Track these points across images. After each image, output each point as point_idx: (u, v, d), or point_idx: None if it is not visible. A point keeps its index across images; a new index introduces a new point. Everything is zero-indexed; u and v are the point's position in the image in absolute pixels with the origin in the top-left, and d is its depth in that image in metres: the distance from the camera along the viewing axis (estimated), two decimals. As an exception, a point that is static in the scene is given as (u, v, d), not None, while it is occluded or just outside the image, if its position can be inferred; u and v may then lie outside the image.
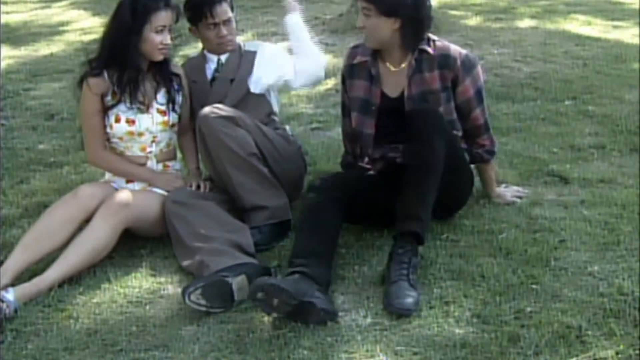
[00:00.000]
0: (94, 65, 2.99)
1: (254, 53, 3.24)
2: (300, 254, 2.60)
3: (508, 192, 3.25)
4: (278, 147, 3.10)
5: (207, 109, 2.96)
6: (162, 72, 3.05)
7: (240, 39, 3.35)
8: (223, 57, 3.22)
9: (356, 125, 3.01)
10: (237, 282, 2.56)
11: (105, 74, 2.98)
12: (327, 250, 2.64)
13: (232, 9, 3.18)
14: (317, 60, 3.28)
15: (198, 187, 3.07)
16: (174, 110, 3.07)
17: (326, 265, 2.60)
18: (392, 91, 2.96)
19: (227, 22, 3.15)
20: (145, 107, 3.00)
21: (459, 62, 2.92)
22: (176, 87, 3.08)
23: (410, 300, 2.47)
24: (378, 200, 2.88)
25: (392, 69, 2.96)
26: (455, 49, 2.96)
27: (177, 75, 3.11)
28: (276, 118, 3.29)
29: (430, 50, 2.91)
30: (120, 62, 2.94)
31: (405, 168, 2.77)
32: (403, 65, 2.94)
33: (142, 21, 2.90)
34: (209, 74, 3.23)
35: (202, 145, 2.99)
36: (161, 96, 3.05)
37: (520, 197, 3.23)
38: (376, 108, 2.95)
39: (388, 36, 2.87)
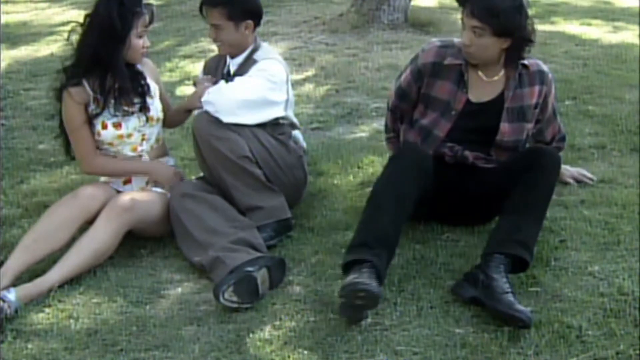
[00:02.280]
0: (72, 74, 2.94)
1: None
2: (380, 237, 2.51)
3: (574, 170, 3.40)
4: (274, 154, 3.05)
5: (200, 113, 2.96)
6: (130, 72, 3.00)
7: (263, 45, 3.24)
8: (234, 63, 3.15)
9: (429, 124, 2.95)
10: (261, 275, 2.58)
11: (85, 83, 2.93)
12: (396, 242, 2.58)
13: (230, 17, 3.02)
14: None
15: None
16: (150, 104, 3.03)
17: (389, 261, 2.55)
18: (477, 98, 2.92)
19: (215, 27, 3.07)
20: (128, 110, 2.99)
21: (550, 77, 2.98)
22: (144, 82, 3.03)
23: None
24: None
25: (485, 79, 2.92)
26: (542, 64, 3.00)
27: (141, 73, 3.05)
28: (285, 122, 3.17)
29: (529, 65, 2.92)
30: (103, 69, 2.90)
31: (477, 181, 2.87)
32: (496, 77, 2.92)
33: (129, 27, 2.87)
34: (219, 76, 3.17)
35: (196, 147, 3.01)
36: (136, 94, 3.01)
37: (579, 180, 3.39)
38: (456, 113, 2.91)
39: (495, 55, 2.85)
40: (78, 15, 3.15)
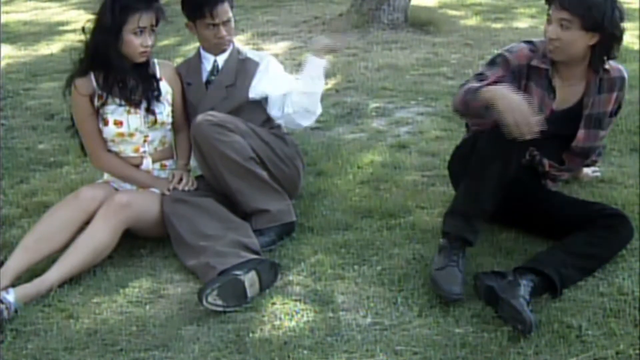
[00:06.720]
0: (81, 66, 2.96)
1: (256, 64, 3.17)
2: (478, 212, 2.56)
3: (589, 170, 3.39)
4: (275, 148, 3.07)
5: (200, 117, 2.93)
6: (141, 73, 2.99)
7: (239, 39, 3.31)
8: (220, 60, 3.17)
9: None
10: (249, 278, 2.57)
11: (92, 75, 2.94)
12: (491, 211, 2.60)
13: (232, 7, 3.12)
14: (316, 103, 3.13)
15: (180, 180, 3.02)
16: (156, 107, 3.02)
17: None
18: (558, 105, 2.85)
19: (227, 22, 3.09)
20: (133, 108, 2.98)
21: (626, 83, 2.89)
22: (156, 88, 3.02)
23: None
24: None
25: (566, 84, 2.83)
26: (623, 69, 2.89)
27: (155, 77, 3.04)
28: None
29: (610, 70, 2.82)
30: (104, 63, 2.91)
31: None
32: (577, 82, 2.83)
33: (119, 22, 2.86)
34: (205, 75, 3.17)
35: (198, 153, 2.98)
36: (143, 95, 3.00)
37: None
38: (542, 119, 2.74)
39: (580, 51, 2.74)
40: (78, 15, 3.15)
